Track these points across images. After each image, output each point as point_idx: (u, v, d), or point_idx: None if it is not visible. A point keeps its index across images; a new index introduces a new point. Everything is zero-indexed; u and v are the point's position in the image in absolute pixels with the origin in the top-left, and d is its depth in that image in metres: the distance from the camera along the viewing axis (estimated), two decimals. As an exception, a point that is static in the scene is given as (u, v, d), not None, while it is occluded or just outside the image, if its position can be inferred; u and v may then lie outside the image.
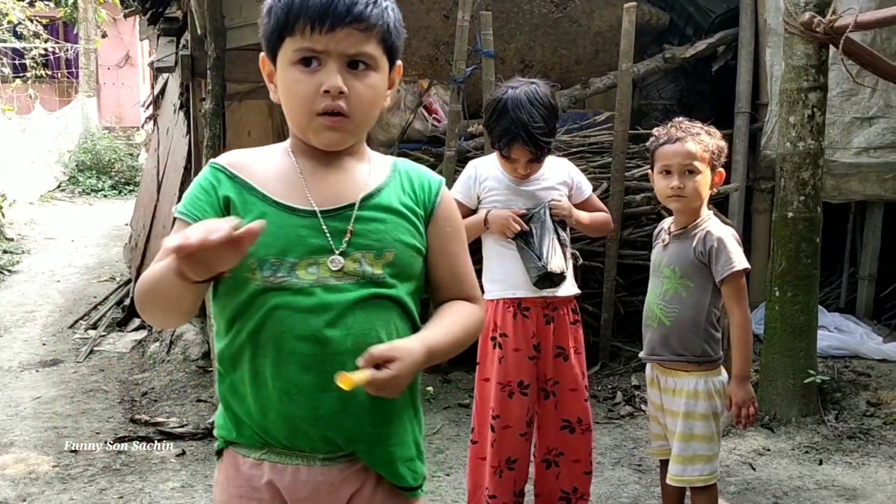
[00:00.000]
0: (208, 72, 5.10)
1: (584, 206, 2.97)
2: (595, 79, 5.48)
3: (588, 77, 5.50)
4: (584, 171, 4.88)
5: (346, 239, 1.42)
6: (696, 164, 2.58)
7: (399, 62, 1.50)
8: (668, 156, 2.61)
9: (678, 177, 2.59)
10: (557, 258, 2.78)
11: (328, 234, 1.41)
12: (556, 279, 2.79)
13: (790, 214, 4.23)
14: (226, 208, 1.42)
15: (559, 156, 3.48)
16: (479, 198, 2.92)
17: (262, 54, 1.47)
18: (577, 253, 2.95)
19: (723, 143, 2.64)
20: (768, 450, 3.99)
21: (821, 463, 3.85)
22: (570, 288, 2.90)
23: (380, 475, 1.49)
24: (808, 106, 4.16)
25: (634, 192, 4.91)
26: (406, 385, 1.38)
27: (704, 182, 2.61)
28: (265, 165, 1.48)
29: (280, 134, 5.44)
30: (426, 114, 5.15)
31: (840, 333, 5.11)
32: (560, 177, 2.93)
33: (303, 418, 1.42)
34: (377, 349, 1.34)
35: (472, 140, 5.01)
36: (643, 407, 4.44)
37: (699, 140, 2.59)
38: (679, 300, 2.64)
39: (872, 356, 4.85)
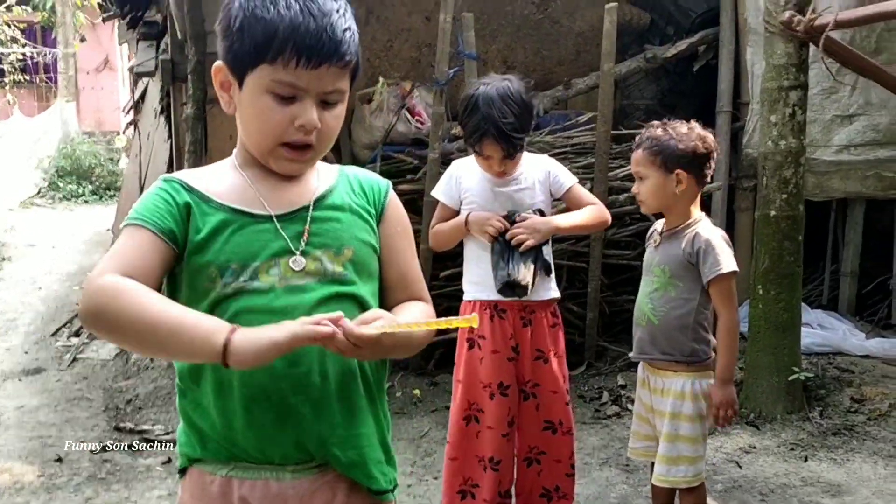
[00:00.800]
0: (189, 76, 5.08)
1: (566, 198, 2.94)
2: (577, 79, 5.49)
3: (570, 78, 5.51)
4: (567, 171, 4.95)
5: (304, 239, 1.43)
6: (642, 169, 2.65)
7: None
8: (632, 161, 2.73)
9: (636, 183, 2.71)
10: (524, 270, 2.76)
11: (286, 237, 1.42)
12: (519, 291, 2.78)
13: (772, 213, 4.26)
14: (186, 215, 1.41)
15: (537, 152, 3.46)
16: (460, 199, 2.91)
17: (220, 63, 1.44)
18: (551, 265, 2.89)
19: (690, 144, 2.61)
20: (754, 447, 4.01)
21: (806, 460, 3.88)
22: (548, 292, 2.90)
23: (352, 483, 1.47)
24: (788, 104, 4.19)
25: (618, 192, 4.92)
26: (378, 352, 1.36)
27: (654, 187, 2.64)
28: (217, 179, 1.48)
29: (262, 138, 5.41)
30: (409, 116, 5.14)
31: (823, 330, 5.15)
32: (537, 175, 2.91)
33: (272, 423, 1.40)
34: (366, 314, 1.35)
35: (456, 142, 5.01)
36: (630, 407, 4.45)
37: (650, 144, 2.63)
38: (668, 299, 2.66)
39: (855, 352, 4.89)
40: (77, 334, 6.23)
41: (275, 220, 1.43)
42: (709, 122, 5.15)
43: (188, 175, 1.49)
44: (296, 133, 1.39)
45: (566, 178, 2.94)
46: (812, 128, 4.92)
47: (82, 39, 18.53)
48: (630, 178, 4.98)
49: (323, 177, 1.53)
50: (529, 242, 2.75)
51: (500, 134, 2.70)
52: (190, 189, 1.44)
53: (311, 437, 1.42)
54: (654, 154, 2.61)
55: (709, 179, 2.77)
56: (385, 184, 1.59)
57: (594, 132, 4.95)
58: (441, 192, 2.94)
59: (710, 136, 2.70)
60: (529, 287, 2.79)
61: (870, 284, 5.67)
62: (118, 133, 15.89)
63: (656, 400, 2.71)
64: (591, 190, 4.84)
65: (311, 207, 1.46)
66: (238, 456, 1.44)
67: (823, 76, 4.75)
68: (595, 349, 5.08)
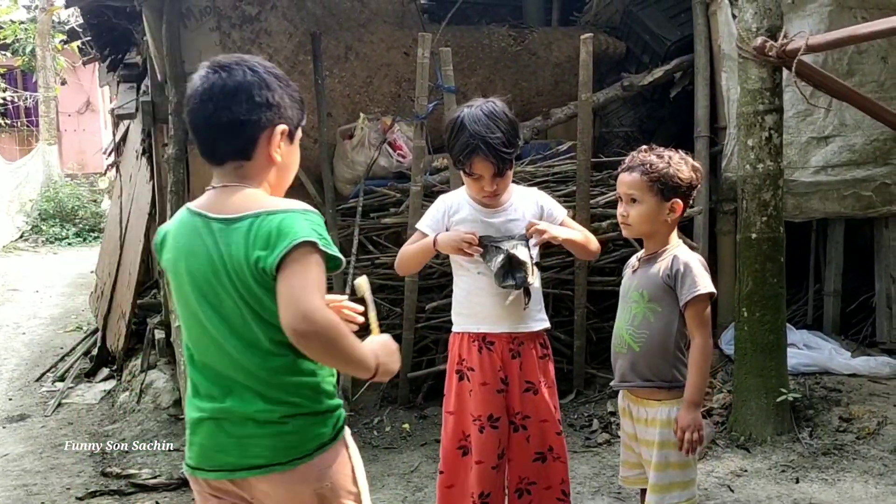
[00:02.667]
0: (170, 117, 5.09)
1: None
2: (556, 109, 5.54)
3: (549, 108, 5.57)
4: (549, 200, 4.98)
5: None
6: (637, 193, 2.64)
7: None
8: (619, 183, 2.71)
9: (624, 204, 2.69)
10: (522, 249, 2.77)
11: None
12: (520, 276, 2.75)
13: (754, 235, 4.29)
14: None
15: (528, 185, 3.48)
16: (447, 230, 2.89)
17: (284, 127, 1.89)
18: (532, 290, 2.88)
19: (687, 175, 2.65)
20: (745, 470, 4.01)
21: (798, 481, 3.88)
22: (537, 323, 2.91)
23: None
24: (765, 128, 4.24)
25: (600, 220, 4.95)
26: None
27: (648, 212, 2.64)
28: None
29: (245, 176, 5.42)
30: (391, 150, 5.17)
31: (809, 350, 5.17)
32: (527, 207, 2.91)
33: None
34: None
35: (438, 174, 5.04)
36: (619, 434, 4.44)
37: (648, 169, 2.62)
38: (647, 325, 2.66)
39: (842, 371, 4.91)
40: (62, 379, 6.17)
41: None
42: (687, 147, 5.21)
43: None
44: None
45: (559, 211, 2.96)
46: (789, 150, 4.98)
47: (63, 82, 18.57)
48: (612, 204, 5.01)
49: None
50: (540, 225, 2.78)
51: (489, 149, 2.70)
52: None
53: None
54: (652, 181, 2.62)
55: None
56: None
57: (574, 161, 4.98)
58: (426, 224, 2.92)
59: (699, 167, 2.74)
60: (529, 272, 2.76)
61: (853, 303, 5.70)
62: (101, 175, 15.86)
63: (640, 429, 2.71)
64: (573, 218, 4.88)
65: None
66: None
67: (798, 99, 4.81)
68: (583, 377, 5.08)
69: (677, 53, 5.67)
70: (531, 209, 2.91)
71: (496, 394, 2.84)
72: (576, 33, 5.48)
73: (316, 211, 1.87)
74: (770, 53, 4.08)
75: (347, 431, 1.95)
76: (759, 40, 4.12)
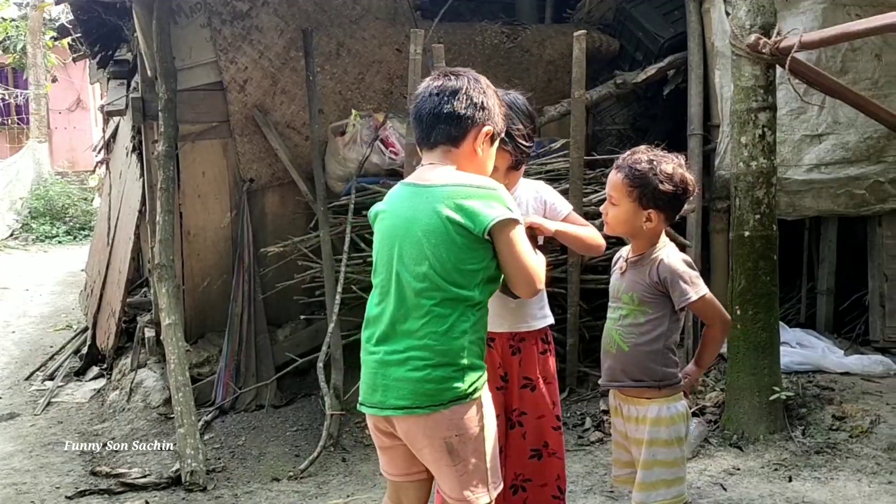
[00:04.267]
0: (160, 114, 5.05)
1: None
2: (549, 107, 5.52)
3: (542, 105, 5.54)
4: (542, 198, 4.96)
5: None
6: (615, 194, 2.63)
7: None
8: (608, 182, 2.70)
9: (607, 202, 2.69)
10: None
11: None
12: None
13: (747, 233, 4.28)
14: None
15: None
16: None
17: (490, 129, 2.36)
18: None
19: (668, 188, 2.59)
20: (738, 469, 4.00)
21: (790, 480, 3.86)
22: (538, 321, 2.86)
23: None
24: (758, 126, 4.23)
25: (593, 218, 4.92)
26: None
27: (623, 216, 2.62)
28: None
29: (236, 174, 5.40)
30: (383, 147, 5.14)
31: (802, 349, 5.16)
32: (530, 199, 2.86)
33: None
34: None
35: (430, 172, 5.00)
36: (612, 432, 4.42)
37: (630, 173, 2.60)
38: (637, 326, 2.65)
39: (835, 370, 4.90)
40: (51, 377, 6.12)
41: None
42: (680, 145, 5.21)
43: None
44: None
45: (563, 206, 2.89)
46: (782, 148, 4.97)
47: (54, 80, 18.48)
48: (603, 202, 5.00)
49: None
50: (537, 219, 2.68)
51: (510, 140, 2.66)
52: None
53: None
54: (632, 186, 2.59)
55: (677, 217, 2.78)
56: None
57: (567, 158, 4.97)
58: None
59: (691, 180, 2.67)
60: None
61: (846, 301, 5.70)
62: (91, 172, 15.79)
63: (631, 428, 2.70)
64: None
65: None
66: None
67: (791, 97, 4.80)
68: (576, 375, 5.06)
69: (671, 51, 5.66)
70: (533, 202, 2.86)
71: (495, 391, 2.79)
72: (569, 30, 5.46)
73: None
74: (763, 51, 4.07)
75: (487, 395, 2.29)
76: (753, 37, 4.10)
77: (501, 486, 2.39)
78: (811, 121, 5.19)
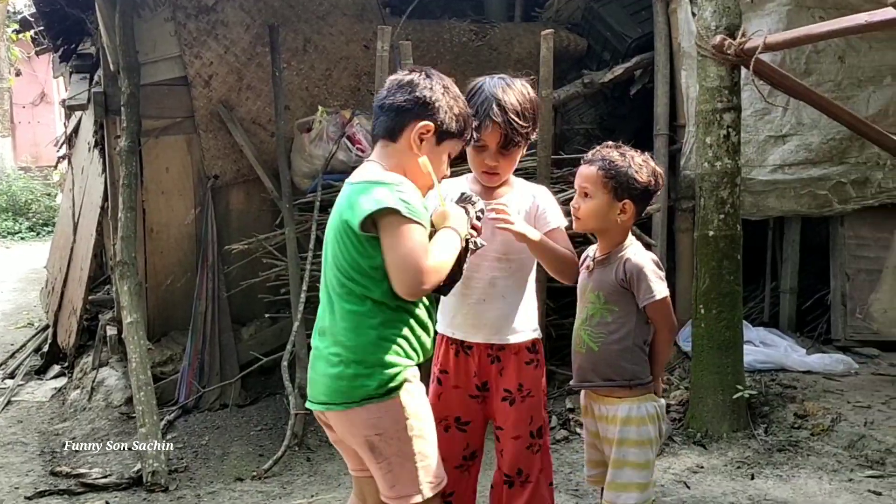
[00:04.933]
0: (123, 108, 4.98)
1: (548, 237, 2.63)
2: (517, 105, 5.51)
3: (510, 104, 5.53)
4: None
5: None
6: (590, 187, 2.60)
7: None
8: (577, 175, 2.67)
9: (577, 196, 2.65)
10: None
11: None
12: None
13: (711, 233, 4.31)
14: None
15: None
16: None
17: (430, 124, 2.31)
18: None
19: (644, 178, 2.59)
20: (702, 467, 4.02)
21: (753, 477, 3.90)
22: (519, 335, 2.67)
23: None
24: (723, 126, 4.26)
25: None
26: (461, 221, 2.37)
27: (597, 208, 2.60)
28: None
29: (200, 170, 5.34)
30: (349, 144, 5.10)
31: (765, 347, 5.21)
32: (524, 203, 2.65)
33: None
34: None
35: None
36: (578, 430, 4.44)
37: (606, 165, 2.58)
38: (605, 325, 2.64)
39: (797, 368, 4.96)
40: (12, 376, 6.01)
41: None
42: (647, 144, 5.24)
43: None
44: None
45: (554, 217, 2.65)
46: (747, 148, 5.01)
47: (17, 73, 18.16)
48: (570, 201, 5.00)
49: None
50: (507, 217, 2.50)
51: (501, 112, 2.51)
52: None
53: None
54: (608, 177, 2.57)
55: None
56: None
57: (535, 157, 4.97)
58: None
59: (660, 173, 2.68)
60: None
61: (809, 300, 5.77)
62: (54, 168, 15.58)
63: (602, 427, 2.69)
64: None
65: None
66: None
67: (756, 98, 4.84)
68: (549, 373, 5.05)
69: (638, 51, 5.68)
70: (525, 204, 2.66)
71: (468, 398, 2.67)
72: (537, 29, 5.45)
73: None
74: (728, 52, 4.10)
75: (412, 392, 2.24)
76: (718, 38, 4.13)
77: (444, 483, 2.35)
78: (775, 122, 5.24)
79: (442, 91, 2.28)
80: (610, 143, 2.70)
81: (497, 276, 2.64)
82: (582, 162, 2.68)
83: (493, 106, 2.52)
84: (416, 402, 2.27)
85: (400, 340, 2.23)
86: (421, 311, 2.30)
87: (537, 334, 2.70)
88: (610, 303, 2.65)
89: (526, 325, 2.69)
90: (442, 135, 2.29)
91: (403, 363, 2.24)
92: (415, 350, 2.27)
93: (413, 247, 2.11)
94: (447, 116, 2.28)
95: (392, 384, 2.21)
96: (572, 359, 2.77)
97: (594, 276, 2.71)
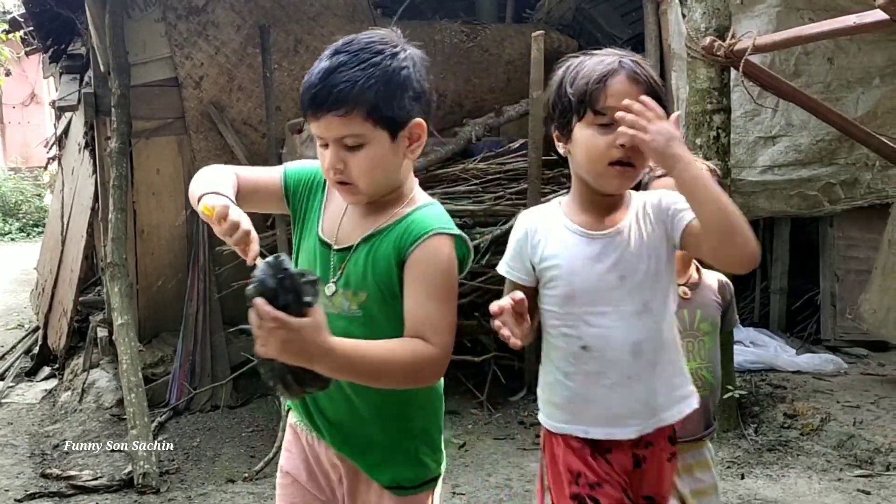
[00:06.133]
0: (113, 109, 4.97)
1: (687, 235, 1.80)
2: (508, 107, 5.53)
3: (502, 105, 5.55)
4: (500, 197, 4.97)
5: (340, 273, 1.67)
6: None
7: (416, 120, 1.64)
8: (653, 188, 2.17)
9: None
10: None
11: (332, 267, 1.68)
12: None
13: (702, 234, 4.31)
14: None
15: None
16: (534, 268, 1.87)
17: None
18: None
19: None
20: (692, 467, 4.03)
21: (743, 477, 3.91)
22: (679, 405, 1.89)
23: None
24: (713, 127, 4.27)
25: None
26: (283, 349, 1.41)
27: None
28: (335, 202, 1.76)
29: (190, 171, 5.32)
30: (341, 145, 5.10)
31: (755, 347, 5.24)
32: (651, 217, 1.84)
33: None
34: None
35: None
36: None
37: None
38: (712, 353, 2.45)
39: (787, 368, 4.98)
40: (2, 378, 5.99)
41: (331, 249, 1.70)
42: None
43: None
44: (328, 174, 1.66)
45: (686, 211, 1.78)
46: (737, 149, 5.03)
47: (7, 73, 18.08)
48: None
49: (391, 217, 1.67)
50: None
51: (634, 65, 1.78)
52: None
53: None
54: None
55: None
56: (423, 230, 1.63)
57: (526, 158, 4.98)
58: (507, 261, 1.93)
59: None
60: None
61: (798, 301, 5.79)
62: (44, 168, 15.52)
63: (688, 480, 2.59)
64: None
65: (353, 247, 1.67)
66: None
67: (746, 99, 4.86)
68: (535, 373, 5.06)
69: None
70: (656, 218, 1.83)
71: None
72: (528, 30, 5.47)
73: None
74: (718, 53, 4.11)
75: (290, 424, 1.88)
76: (708, 40, 4.15)
77: None
78: (765, 123, 5.27)
79: None
80: None
81: (641, 339, 1.82)
82: (651, 177, 2.24)
83: (622, 61, 1.79)
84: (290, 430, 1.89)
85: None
86: None
87: (694, 400, 1.91)
88: (714, 326, 2.37)
89: (685, 384, 1.91)
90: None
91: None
92: None
93: None
94: None
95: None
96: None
97: (694, 301, 2.34)
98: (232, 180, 1.73)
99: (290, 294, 1.39)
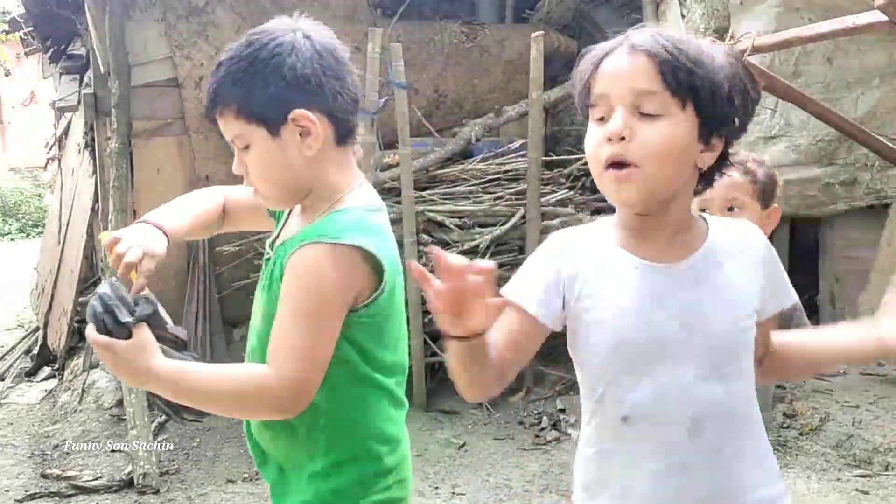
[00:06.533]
0: (113, 110, 4.98)
1: (767, 325, 1.51)
2: (508, 107, 5.53)
3: (501, 105, 5.56)
4: (499, 198, 4.97)
5: (265, 282, 1.57)
6: (739, 197, 2.17)
7: (296, 111, 1.46)
8: (718, 189, 1.82)
9: (718, 212, 2.14)
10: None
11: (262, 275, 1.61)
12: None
13: (701, 234, 4.32)
14: None
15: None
16: (564, 305, 1.40)
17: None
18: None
19: (779, 181, 2.31)
20: (692, 467, 4.04)
21: (743, 477, 3.91)
22: (760, 489, 1.41)
23: None
24: (712, 128, 4.27)
25: (550, 218, 4.95)
26: (116, 370, 1.41)
27: (751, 219, 2.06)
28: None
29: (191, 172, 5.33)
30: (340, 146, 5.10)
31: (755, 347, 5.24)
32: (749, 257, 1.46)
33: None
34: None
35: (389, 171, 4.99)
36: (569, 431, 4.46)
37: (746, 170, 2.18)
38: None
39: (787, 368, 4.98)
40: (1, 378, 6.00)
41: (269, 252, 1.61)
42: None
43: None
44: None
45: (788, 293, 1.55)
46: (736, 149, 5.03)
47: (7, 74, 18.09)
48: (562, 203, 5.03)
49: (311, 221, 1.52)
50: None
51: (649, 37, 1.32)
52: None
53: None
54: (754, 183, 2.21)
55: None
56: (301, 238, 1.45)
57: (526, 159, 4.98)
58: (519, 288, 1.42)
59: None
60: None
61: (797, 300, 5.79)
62: (43, 168, 15.54)
63: None
64: (524, 216, 4.88)
65: (273, 254, 1.58)
66: None
67: (745, 99, 4.86)
68: (533, 374, 5.08)
69: (628, 53, 5.69)
70: (755, 260, 1.47)
71: None
72: (528, 31, 5.47)
73: None
74: (718, 53, 4.11)
75: None
76: (707, 40, 4.14)
77: None
78: (764, 123, 5.27)
79: None
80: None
81: (703, 414, 1.36)
82: (737, 169, 2.08)
83: (641, 34, 1.36)
84: None
85: None
86: None
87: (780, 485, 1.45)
88: None
89: (770, 472, 1.46)
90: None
91: None
92: None
93: None
94: None
95: None
96: None
97: None
98: (202, 208, 1.74)
99: (107, 315, 1.38)
